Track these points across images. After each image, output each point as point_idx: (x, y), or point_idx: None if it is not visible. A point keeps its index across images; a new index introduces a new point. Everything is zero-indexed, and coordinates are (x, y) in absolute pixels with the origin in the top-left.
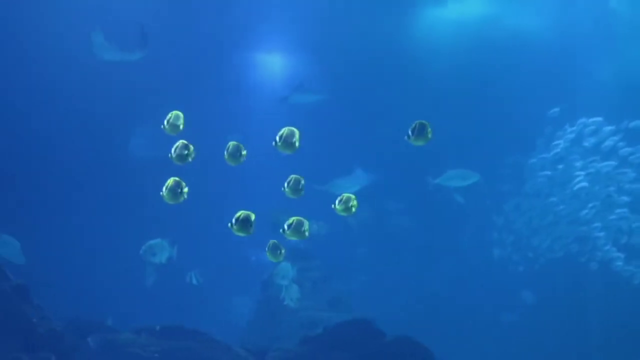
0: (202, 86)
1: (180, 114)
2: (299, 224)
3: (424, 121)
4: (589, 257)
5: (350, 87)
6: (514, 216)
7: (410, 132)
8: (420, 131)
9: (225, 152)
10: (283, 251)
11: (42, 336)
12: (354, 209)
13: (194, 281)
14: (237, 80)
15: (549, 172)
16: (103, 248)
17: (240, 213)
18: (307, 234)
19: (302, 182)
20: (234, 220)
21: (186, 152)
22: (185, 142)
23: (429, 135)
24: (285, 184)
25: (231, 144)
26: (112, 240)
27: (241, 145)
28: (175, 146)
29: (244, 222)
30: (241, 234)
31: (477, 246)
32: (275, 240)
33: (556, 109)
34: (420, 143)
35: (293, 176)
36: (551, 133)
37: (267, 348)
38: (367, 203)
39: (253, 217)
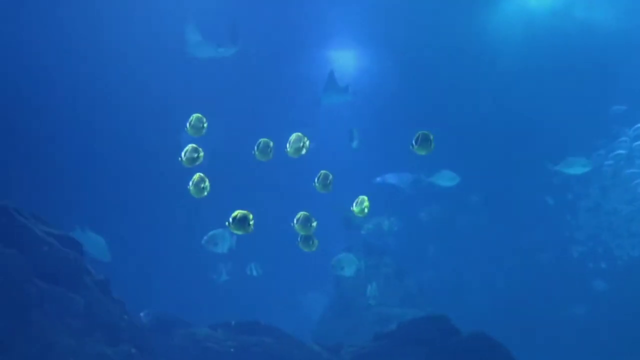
0: (271, 82)
1: (202, 117)
2: (306, 219)
3: (426, 131)
4: None
5: (422, 82)
6: (590, 214)
7: (413, 142)
8: (422, 141)
9: (256, 148)
10: (316, 242)
11: (123, 330)
12: (366, 210)
13: (254, 273)
14: (307, 76)
15: (611, 169)
16: (176, 244)
17: (237, 212)
18: (313, 229)
19: (330, 177)
20: (231, 219)
21: (196, 155)
22: (195, 145)
23: (432, 146)
24: (316, 179)
25: (262, 140)
26: (184, 236)
27: (271, 142)
28: (185, 150)
29: (241, 221)
30: (239, 232)
31: (552, 243)
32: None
33: (621, 107)
34: (423, 152)
35: (322, 172)
36: (617, 130)
37: (340, 344)
38: (440, 199)
39: (250, 216)
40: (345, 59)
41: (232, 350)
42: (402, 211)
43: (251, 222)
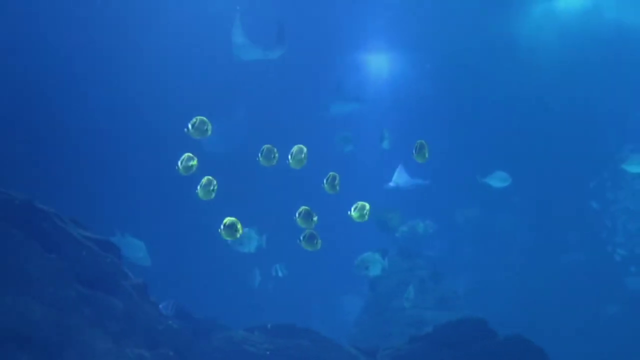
0: (310, 86)
1: (206, 119)
2: (308, 214)
3: (422, 141)
4: None
5: (456, 85)
6: (627, 216)
7: (414, 150)
8: (419, 150)
9: (260, 155)
10: (319, 241)
11: (161, 333)
12: (367, 217)
13: (280, 274)
14: (344, 80)
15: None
16: (214, 248)
17: (227, 219)
18: (314, 223)
19: (338, 179)
20: (222, 226)
21: (191, 163)
22: (190, 154)
23: (426, 154)
24: (324, 180)
25: (265, 147)
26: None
27: (275, 149)
28: (181, 158)
29: (230, 228)
30: (229, 239)
31: (588, 244)
32: (312, 230)
33: None
34: (420, 160)
35: (331, 173)
36: None
37: (376, 347)
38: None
39: (238, 223)
40: (379, 62)
41: (268, 353)
42: (438, 213)
43: (239, 229)
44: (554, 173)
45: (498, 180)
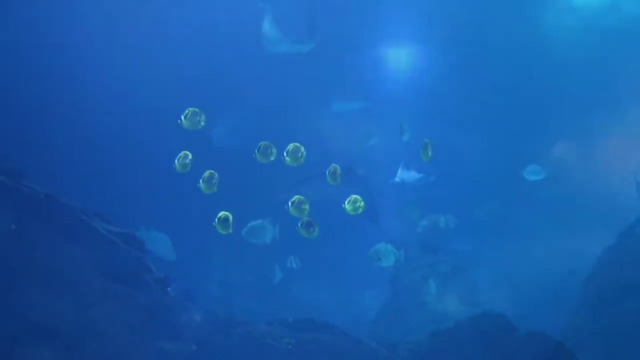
0: (329, 83)
1: (198, 110)
2: (300, 202)
3: (427, 140)
4: None
5: (476, 80)
6: None
7: (420, 150)
8: (424, 149)
9: (256, 151)
10: (317, 228)
11: (183, 327)
12: (360, 210)
13: (294, 265)
14: (363, 76)
15: None
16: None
17: (222, 214)
18: (306, 211)
19: (339, 170)
20: (216, 220)
21: (187, 161)
22: (187, 152)
23: (429, 153)
24: (327, 172)
25: (262, 143)
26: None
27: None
28: (179, 156)
29: (224, 222)
30: (223, 232)
31: (607, 239)
32: (308, 218)
33: None
34: (425, 159)
35: (333, 165)
36: None
37: (397, 341)
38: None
39: (231, 217)
40: (399, 56)
41: (290, 347)
42: (459, 208)
43: (230, 223)
44: (576, 168)
45: (532, 173)
